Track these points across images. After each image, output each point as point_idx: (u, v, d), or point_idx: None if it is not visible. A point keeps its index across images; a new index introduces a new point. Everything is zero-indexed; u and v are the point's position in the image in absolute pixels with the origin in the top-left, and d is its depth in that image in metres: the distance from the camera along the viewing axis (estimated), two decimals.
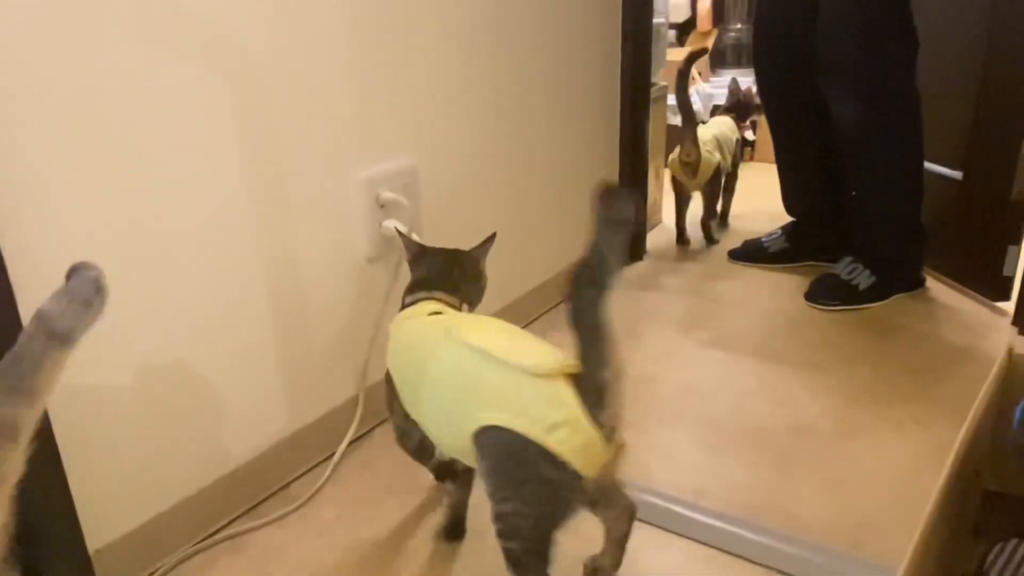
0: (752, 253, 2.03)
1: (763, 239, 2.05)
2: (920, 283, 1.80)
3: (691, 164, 2.05)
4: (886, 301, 1.73)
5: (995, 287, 1.69)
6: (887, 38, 1.57)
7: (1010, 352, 0.88)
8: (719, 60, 3.72)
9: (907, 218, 1.72)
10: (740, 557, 0.98)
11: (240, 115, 0.99)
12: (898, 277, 1.76)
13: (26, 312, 0.78)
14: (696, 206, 2.22)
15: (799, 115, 1.84)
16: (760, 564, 0.97)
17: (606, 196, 0.75)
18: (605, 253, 0.74)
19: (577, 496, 0.77)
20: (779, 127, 1.95)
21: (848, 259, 1.77)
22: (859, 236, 1.79)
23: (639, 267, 2.06)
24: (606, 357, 0.79)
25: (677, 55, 3.56)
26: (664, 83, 2.32)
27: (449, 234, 1.41)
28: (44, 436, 0.81)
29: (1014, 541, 0.80)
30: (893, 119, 1.64)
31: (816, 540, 1.01)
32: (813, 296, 1.75)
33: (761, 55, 1.90)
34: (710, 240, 2.22)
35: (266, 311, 1.08)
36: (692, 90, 3.08)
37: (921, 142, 1.66)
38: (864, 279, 1.73)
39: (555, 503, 0.77)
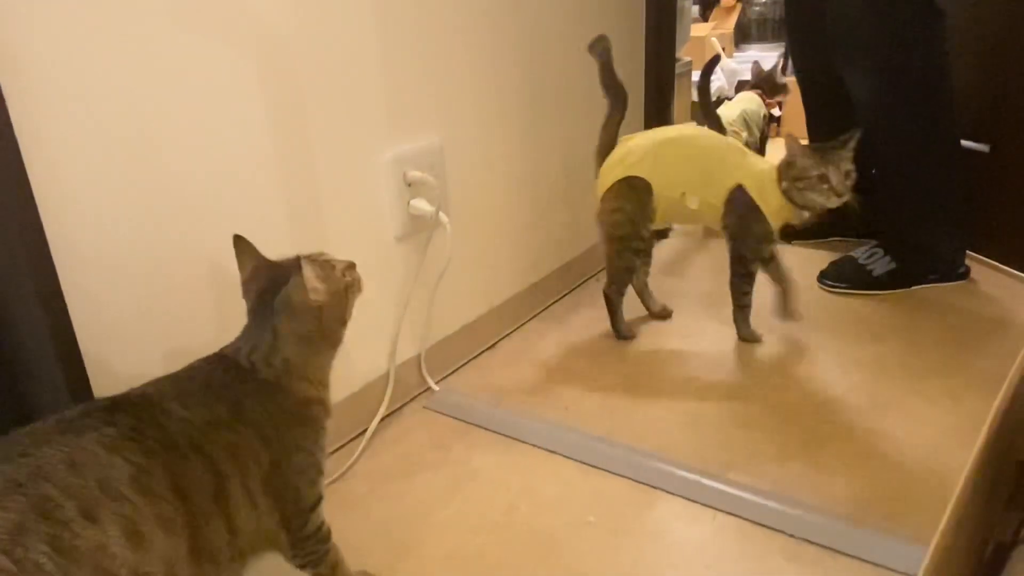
0: (780, 230, 2.01)
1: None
2: (961, 275, 1.69)
3: None
4: (907, 290, 1.65)
5: None
6: (903, 7, 1.50)
7: None
8: (743, 35, 3.67)
9: (936, 203, 1.63)
10: (771, 528, 0.98)
11: (269, 96, 1.00)
12: (926, 266, 1.67)
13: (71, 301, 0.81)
14: None
15: (831, 89, 1.80)
16: (791, 535, 0.97)
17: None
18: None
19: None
20: (812, 102, 1.91)
21: (872, 243, 1.72)
22: (881, 219, 1.72)
23: (665, 245, 2.05)
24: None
25: (701, 31, 3.53)
26: (688, 59, 2.30)
27: (475, 211, 1.42)
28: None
29: None
30: (914, 95, 1.56)
31: (847, 513, 1.01)
32: (824, 276, 1.72)
33: (794, 30, 1.87)
34: None
35: None
36: (716, 67, 3.04)
37: (951, 120, 1.58)
38: (881, 265, 1.67)
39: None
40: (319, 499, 0.83)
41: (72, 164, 0.81)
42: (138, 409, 0.67)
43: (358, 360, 1.22)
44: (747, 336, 1.48)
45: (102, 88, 0.82)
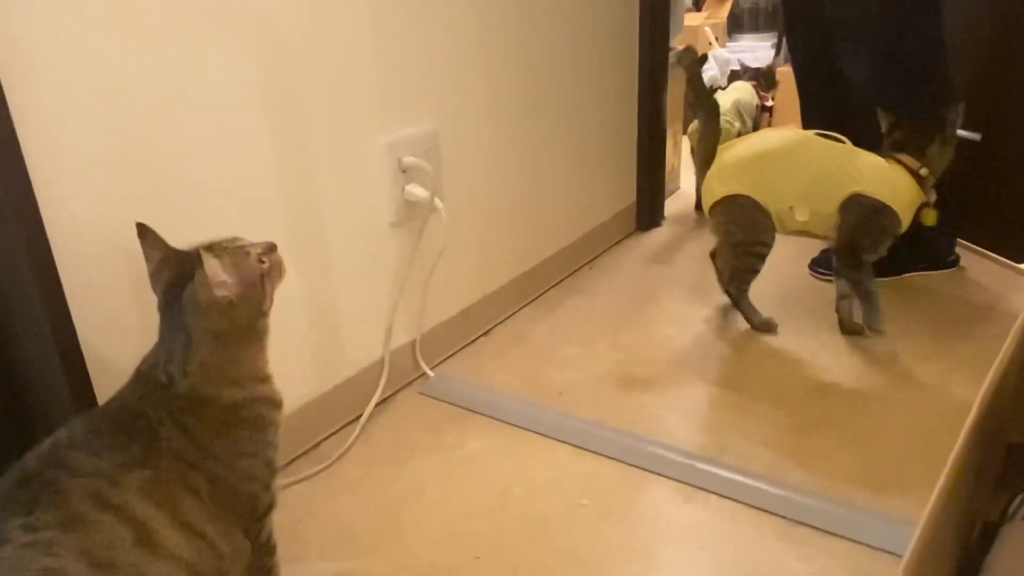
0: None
1: None
2: (951, 263, 1.72)
3: None
4: (898, 277, 1.66)
5: (1019, 248, 1.68)
6: (910, 6, 1.49)
7: None
8: (736, 25, 3.67)
9: None
10: (763, 511, 1.00)
11: (264, 83, 1.00)
12: (916, 254, 1.68)
13: (66, 276, 0.81)
14: None
15: (826, 76, 1.80)
16: (783, 517, 0.98)
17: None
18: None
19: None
20: (805, 87, 1.91)
21: None
22: None
23: (657, 233, 2.06)
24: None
25: (694, 20, 3.53)
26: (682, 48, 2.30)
27: (470, 198, 1.42)
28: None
29: None
30: (910, 79, 1.56)
31: (839, 495, 1.02)
32: (814, 264, 1.72)
33: (790, 16, 1.86)
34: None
35: (293, 275, 1.09)
36: (710, 55, 3.05)
37: (946, 106, 1.57)
38: None
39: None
40: (271, 504, 0.78)
41: (69, 150, 0.81)
42: (43, 482, 0.62)
43: (353, 346, 1.22)
44: (875, 326, 1.41)
45: (98, 76, 0.82)
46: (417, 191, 1.23)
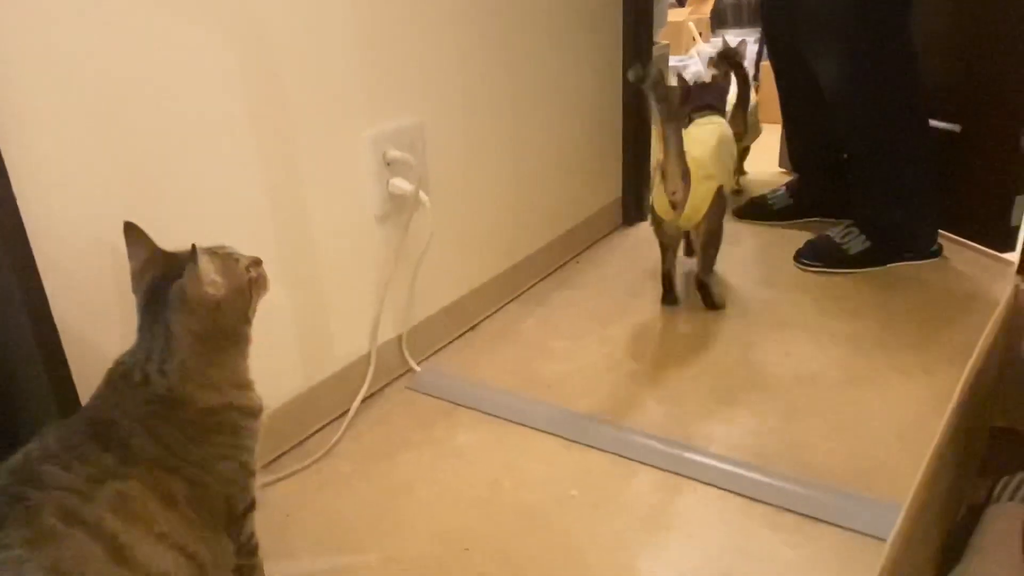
0: (757, 211, 2.03)
1: (768, 196, 2.05)
2: (934, 253, 1.72)
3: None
4: (882, 268, 1.67)
5: (1001, 237, 1.69)
6: (882, 3, 1.50)
7: (1016, 289, 0.89)
8: (720, 20, 3.68)
9: (908, 184, 1.64)
10: (751, 498, 1.00)
11: (248, 75, 0.99)
12: (900, 245, 1.69)
13: (49, 282, 0.80)
14: None
15: (803, 68, 1.82)
16: (771, 504, 0.99)
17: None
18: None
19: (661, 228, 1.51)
20: (785, 80, 1.93)
21: (847, 222, 1.74)
22: (854, 200, 1.74)
23: (643, 227, 2.06)
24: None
25: (678, 16, 3.54)
26: (665, 43, 2.31)
27: (456, 192, 1.42)
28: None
29: (1021, 474, 0.82)
30: (883, 78, 1.57)
31: (825, 482, 1.02)
32: (799, 255, 1.73)
33: (767, 15, 1.88)
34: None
35: (277, 270, 1.09)
36: (693, 50, 3.06)
37: (920, 102, 1.61)
38: (856, 244, 1.68)
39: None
40: (252, 504, 0.78)
41: (49, 148, 0.80)
42: (13, 497, 0.60)
43: (339, 340, 1.22)
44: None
45: (77, 70, 0.81)
46: (402, 185, 1.23)
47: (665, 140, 1.38)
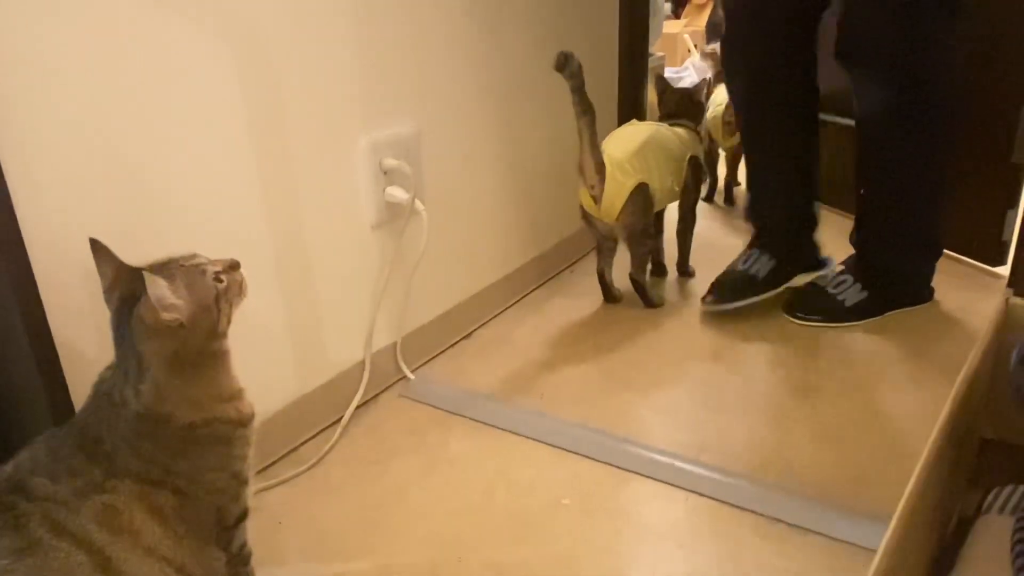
0: (738, 288, 1.61)
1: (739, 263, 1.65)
2: (926, 298, 1.58)
3: (731, 123, 2.11)
4: (879, 318, 1.52)
5: (991, 252, 1.70)
6: (929, 15, 1.31)
7: (1007, 302, 0.90)
8: (715, 32, 3.71)
9: (923, 230, 1.52)
10: (742, 509, 1.01)
11: (244, 83, 1.00)
12: (899, 292, 1.55)
13: (45, 292, 0.80)
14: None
15: (780, 109, 1.55)
16: (761, 515, 0.99)
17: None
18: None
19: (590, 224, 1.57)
20: (751, 115, 1.63)
21: (838, 268, 1.58)
22: (862, 242, 1.57)
23: None
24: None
25: (673, 27, 3.57)
26: (661, 54, 2.33)
27: (451, 200, 1.42)
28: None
29: (1011, 486, 0.83)
30: (929, 114, 1.39)
31: (815, 493, 1.03)
32: (792, 309, 1.55)
33: (734, 36, 1.62)
34: (729, 200, 2.29)
35: (273, 277, 1.10)
36: (687, 63, 3.08)
37: (955, 146, 1.43)
38: (852, 294, 1.52)
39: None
40: (244, 513, 0.76)
41: (46, 153, 0.80)
42: (2, 507, 0.61)
43: (334, 348, 1.22)
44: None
45: (75, 77, 0.81)
46: (398, 193, 1.23)
47: (579, 134, 1.44)
